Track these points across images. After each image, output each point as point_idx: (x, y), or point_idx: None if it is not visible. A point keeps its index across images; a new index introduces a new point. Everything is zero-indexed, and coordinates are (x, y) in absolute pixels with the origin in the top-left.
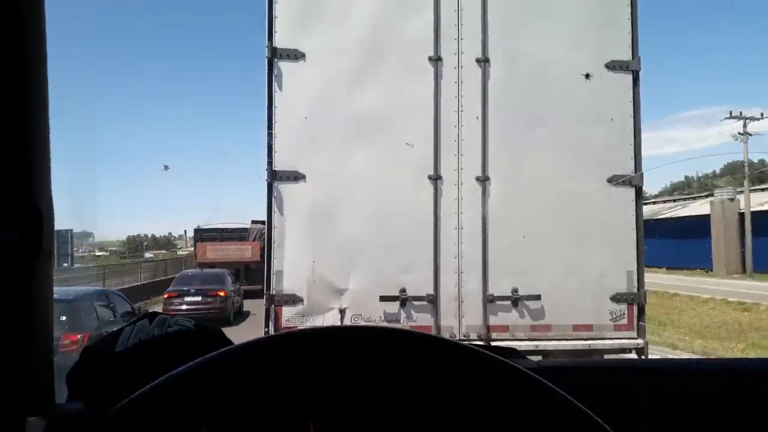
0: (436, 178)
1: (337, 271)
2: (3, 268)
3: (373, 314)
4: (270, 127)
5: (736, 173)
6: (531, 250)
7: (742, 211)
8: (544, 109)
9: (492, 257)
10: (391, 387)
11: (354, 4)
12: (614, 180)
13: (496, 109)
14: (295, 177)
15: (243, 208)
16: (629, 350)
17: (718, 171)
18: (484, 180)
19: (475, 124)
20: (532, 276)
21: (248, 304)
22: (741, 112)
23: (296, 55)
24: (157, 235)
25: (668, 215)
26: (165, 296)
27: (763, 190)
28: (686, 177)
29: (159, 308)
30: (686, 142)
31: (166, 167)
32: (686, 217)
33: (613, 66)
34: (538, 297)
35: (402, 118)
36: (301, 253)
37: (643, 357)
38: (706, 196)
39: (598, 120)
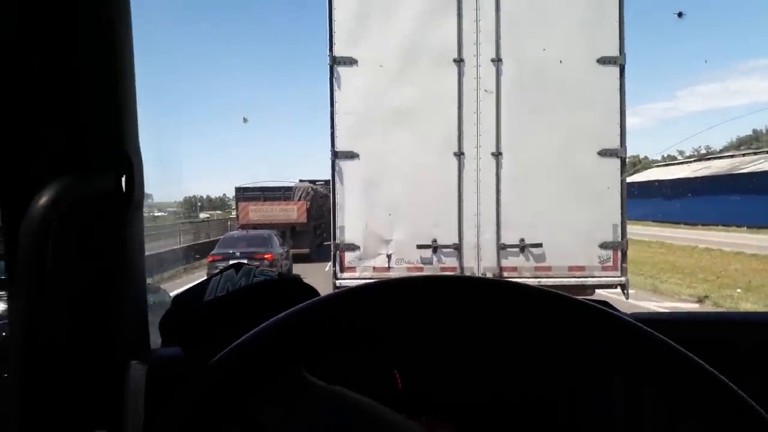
0: (459, 154)
1: (383, 226)
2: (99, 216)
3: (412, 258)
4: (332, 118)
5: None
6: (535, 209)
7: None
8: (545, 98)
9: (503, 214)
10: (481, 337)
11: (393, 20)
12: (603, 153)
13: (507, 99)
14: (351, 155)
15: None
16: (614, 286)
17: None
18: (497, 155)
19: (490, 112)
20: (535, 229)
21: (298, 268)
22: None
23: (351, 62)
24: (212, 197)
25: (749, 169)
26: (208, 260)
27: None
28: (754, 130)
29: (202, 274)
30: (754, 93)
31: (245, 120)
32: None
33: (603, 61)
34: (540, 245)
35: (432, 108)
36: (357, 213)
37: (625, 292)
38: None
39: (590, 105)
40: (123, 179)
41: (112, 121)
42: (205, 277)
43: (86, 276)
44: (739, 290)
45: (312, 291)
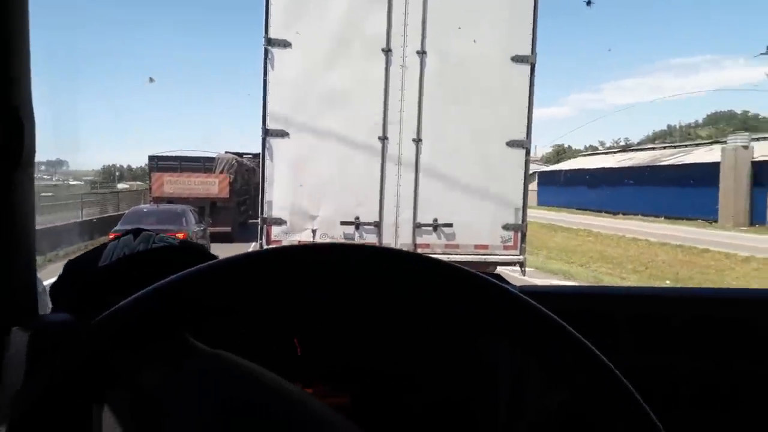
0: (383, 138)
1: (310, 202)
2: None
3: (336, 234)
4: (264, 96)
5: (719, 123)
6: (447, 192)
7: (755, 159)
8: (463, 90)
9: (420, 196)
10: (376, 306)
11: (328, 8)
12: (511, 143)
13: (429, 90)
14: (282, 134)
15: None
16: (514, 264)
17: (700, 120)
18: (417, 141)
19: (413, 101)
20: (447, 210)
21: (217, 249)
22: None
23: (285, 44)
24: (134, 166)
25: (669, 162)
26: (110, 236)
27: None
28: (668, 126)
29: None
30: (668, 90)
31: (151, 80)
32: (691, 164)
33: (516, 59)
34: (450, 225)
35: (360, 94)
36: (285, 189)
37: (522, 269)
38: (712, 143)
39: (502, 99)
40: (13, 136)
41: (0, 76)
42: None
43: None
44: (668, 281)
45: (212, 257)
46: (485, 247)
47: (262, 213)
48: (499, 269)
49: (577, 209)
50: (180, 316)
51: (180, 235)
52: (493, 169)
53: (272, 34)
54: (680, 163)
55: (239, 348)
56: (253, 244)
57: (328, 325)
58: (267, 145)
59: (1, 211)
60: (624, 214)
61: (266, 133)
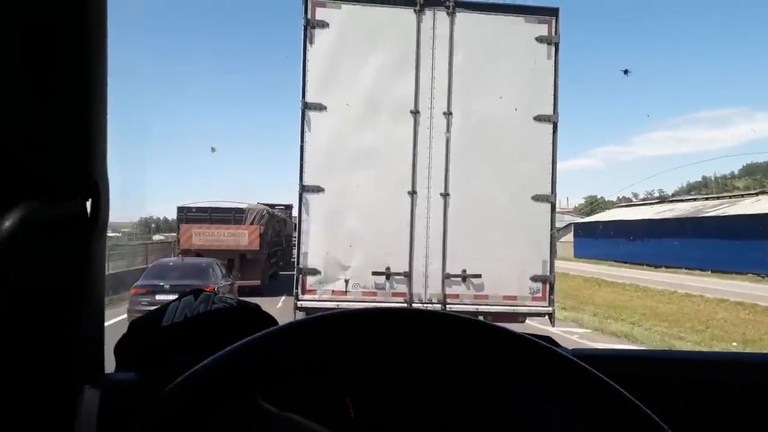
0: (412, 193)
1: (343, 253)
2: (62, 240)
3: (367, 284)
4: (302, 155)
5: (756, 174)
6: (476, 243)
7: None
8: (488, 148)
9: (449, 247)
10: (431, 370)
11: (360, 74)
12: (536, 198)
13: (455, 147)
14: (318, 189)
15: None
16: (543, 315)
17: (736, 172)
18: (445, 195)
19: (440, 157)
20: (476, 261)
21: None
22: None
23: (320, 108)
24: (170, 218)
25: (714, 213)
26: (131, 292)
27: None
28: (703, 177)
29: (120, 311)
30: (699, 143)
31: (213, 149)
32: (738, 215)
33: (539, 118)
34: (479, 276)
35: (390, 152)
36: (320, 241)
37: (552, 320)
38: (758, 193)
39: (526, 156)
40: (89, 204)
41: (82, 146)
42: (125, 315)
43: (47, 298)
44: (735, 344)
45: (271, 320)
46: (514, 298)
47: (298, 264)
48: (549, 330)
49: (616, 262)
50: (255, 378)
51: (207, 291)
52: (520, 222)
53: (309, 99)
54: (725, 214)
55: (295, 408)
56: (283, 298)
57: (381, 384)
58: (303, 200)
59: (75, 273)
60: (666, 267)
61: (303, 189)
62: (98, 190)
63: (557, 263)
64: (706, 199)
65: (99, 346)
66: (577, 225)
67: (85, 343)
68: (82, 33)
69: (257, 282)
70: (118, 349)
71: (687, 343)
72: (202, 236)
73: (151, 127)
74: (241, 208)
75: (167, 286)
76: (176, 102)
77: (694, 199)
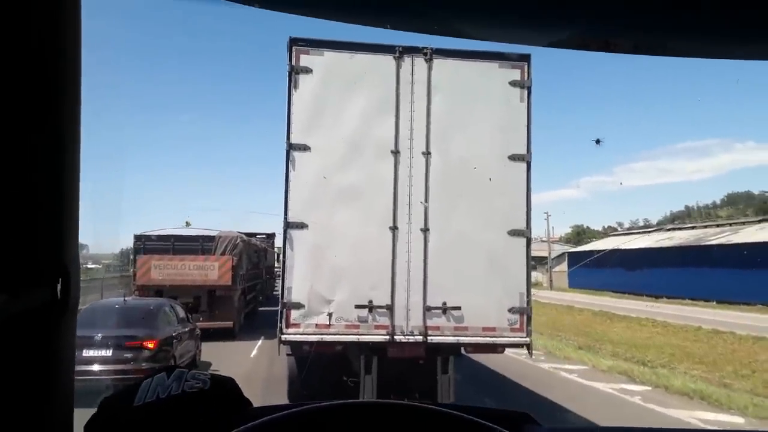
0: (393, 228)
1: (327, 288)
2: (33, 326)
3: (351, 317)
4: (286, 193)
5: (738, 204)
6: (455, 277)
7: None
8: (465, 185)
9: (430, 280)
10: None
11: (342, 116)
12: (512, 233)
13: (434, 185)
14: (301, 225)
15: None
16: (521, 345)
17: (718, 201)
18: (425, 230)
19: (420, 195)
20: (455, 294)
21: (213, 351)
22: None
23: (304, 148)
24: None
25: (717, 241)
26: None
27: None
28: (686, 206)
29: None
30: (681, 173)
31: (187, 224)
32: (744, 244)
33: (513, 158)
34: (459, 308)
35: (372, 189)
36: (304, 276)
37: (530, 351)
38: (760, 221)
39: (502, 194)
40: (59, 287)
41: (54, 233)
42: None
43: (15, 383)
44: None
45: (243, 402)
46: (493, 329)
47: (282, 298)
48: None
49: (614, 292)
50: None
51: (150, 344)
52: (497, 256)
53: (293, 140)
54: (729, 242)
55: None
56: (259, 342)
57: None
58: (288, 236)
59: (44, 353)
60: (668, 297)
61: (287, 225)
62: (68, 273)
63: (554, 294)
64: (705, 227)
65: (68, 427)
66: (570, 254)
67: (55, 424)
68: (54, 116)
69: (229, 324)
70: (89, 428)
71: (743, 394)
72: (162, 270)
73: (130, 157)
74: (210, 236)
75: (98, 338)
76: (161, 130)
77: (693, 227)
